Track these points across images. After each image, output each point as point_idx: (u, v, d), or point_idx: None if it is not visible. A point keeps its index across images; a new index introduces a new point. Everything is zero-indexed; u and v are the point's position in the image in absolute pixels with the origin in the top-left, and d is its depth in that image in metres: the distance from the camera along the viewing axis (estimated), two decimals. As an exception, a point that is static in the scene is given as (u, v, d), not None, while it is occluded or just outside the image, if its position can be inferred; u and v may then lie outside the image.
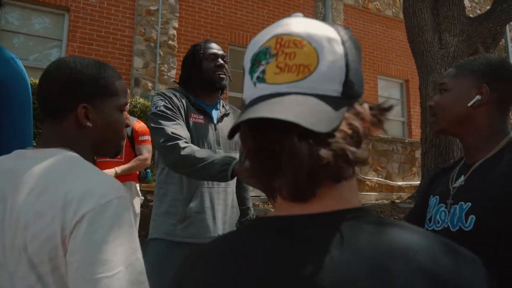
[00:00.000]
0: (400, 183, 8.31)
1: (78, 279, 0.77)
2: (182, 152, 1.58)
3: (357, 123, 0.52)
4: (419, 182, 7.03)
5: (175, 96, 1.80)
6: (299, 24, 0.54)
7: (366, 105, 0.56)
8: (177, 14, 7.34)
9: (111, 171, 3.21)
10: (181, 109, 1.77)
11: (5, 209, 0.85)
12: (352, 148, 0.50)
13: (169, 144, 1.61)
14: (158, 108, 1.72)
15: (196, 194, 1.75)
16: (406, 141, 8.77)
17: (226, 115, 1.93)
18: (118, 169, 3.28)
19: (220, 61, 1.86)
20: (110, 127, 1.00)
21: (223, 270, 0.54)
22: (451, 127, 1.15)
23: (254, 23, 8.19)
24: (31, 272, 0.80)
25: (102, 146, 1.01)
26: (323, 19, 8.86)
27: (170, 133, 1.63)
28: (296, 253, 0.51)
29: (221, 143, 1.84)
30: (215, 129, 1.85)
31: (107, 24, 6.76)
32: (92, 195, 0.80)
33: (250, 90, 0.54)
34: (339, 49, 0.53)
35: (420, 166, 6.28)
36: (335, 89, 0.52)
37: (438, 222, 1.11)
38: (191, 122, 1.79)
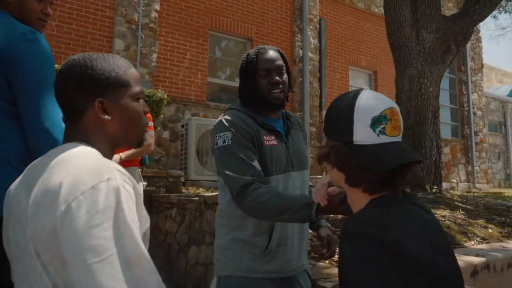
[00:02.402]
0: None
1: (74, 268, 0.77)
2: (261, 201, 1.44)
3: None
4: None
5: (244, 121, 1.60)
6: (392, 101, 0.97)
7: None
8: (159, -3, 7.22)
9: (116, 157, 3.23)
10: (253, 136, 1.58)
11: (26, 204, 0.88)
12: None
13: (244, 193, 1.47)
14: (227, 143, 1.54)
15: (276, 225, 1.58)
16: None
17: (291, 127, 1.75)
18: (123, 154, 3.31)
19: (276, 77, 1.64)
20: (128, 117, 1.00)
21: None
22: None
23: (234, 9, 8.20)
24: (37, 260, 0.82)
25: (124, 136, 1.02)
26: (300, 9, 9.00)
27: (245, 181, 1.47)
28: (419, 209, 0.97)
29: (294, 164, 1.67)
30: (287, 147, 1.67)
31: (88, 4, 6.55)
32: (77, 184, 0.80)
33: (373, 137, 0.92)
34: None
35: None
36: None
37: None
38: (266, 147, 1.60)
